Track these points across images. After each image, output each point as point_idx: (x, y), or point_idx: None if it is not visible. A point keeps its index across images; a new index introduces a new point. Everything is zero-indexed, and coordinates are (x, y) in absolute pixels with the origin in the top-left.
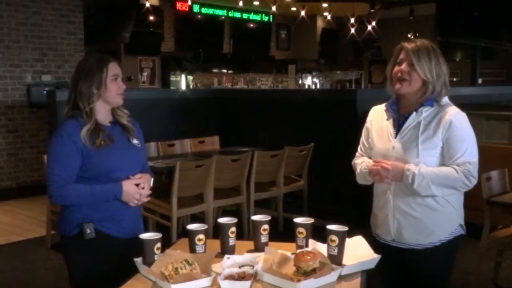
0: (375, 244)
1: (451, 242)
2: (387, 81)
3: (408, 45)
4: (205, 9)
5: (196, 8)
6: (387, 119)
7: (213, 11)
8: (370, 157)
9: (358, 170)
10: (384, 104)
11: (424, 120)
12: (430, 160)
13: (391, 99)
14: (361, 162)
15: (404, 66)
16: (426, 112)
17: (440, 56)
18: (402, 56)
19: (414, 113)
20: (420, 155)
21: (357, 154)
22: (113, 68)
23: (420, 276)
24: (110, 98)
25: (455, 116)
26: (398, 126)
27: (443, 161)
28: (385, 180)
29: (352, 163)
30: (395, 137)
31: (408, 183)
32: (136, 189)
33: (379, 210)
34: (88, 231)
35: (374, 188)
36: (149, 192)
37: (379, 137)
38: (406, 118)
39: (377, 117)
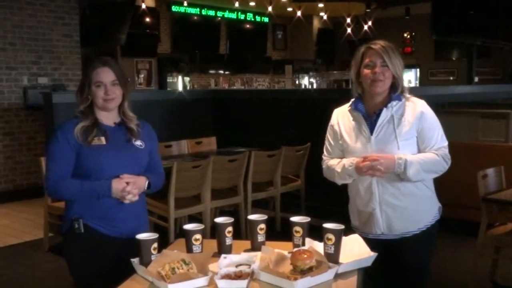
0: None
1: (433, 226)
2: (353, 83)
3: (375, 46)
4: (178, 7)
5: (173, 8)
6: (355, 119)
7: (210, 12)
8: (341, 158)
9: (339, 170)
10: (347, 105)
11: (396, 113)
12: (410, 149)
13: (354, 100)
14: (337, 163)
15: (378, 68)
16: (395, 106)
17: (398, 53)
18: (370, 58)
19: (385, 108)
20: (401, 146)
21: (324, 157)
22: (97, 75)
23: (406, 264)
24: (97, 103)
25: (424, 107)
26: (371, 123)
27: (418, 150)
28: (377, 173)
29: (324, 166)
30: (371, 133)
31: (400, 172)
32: (125, 186)
33: (363, 207)
34: (76, 225)
35: (354, 187)
36: (136, 197)
37: (352, 136)
38: (378, 115)
39: (343, 118)
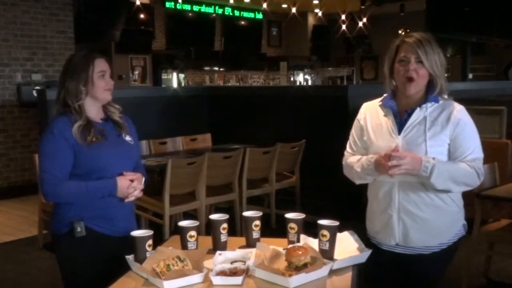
0: (375, 251)
1: (454, 244)
2: (386, 78)
3: (410, 40)
4: (172, 4)
5: (168, 5)
6: (385, 115)
7: (205, 9)
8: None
9: (358, 169)
10: (378, 100)
11: (430, 116)
12: (438, 157)
13: (386, 95)
14: (357, 160)
15: (411, 65)
16: (431, 107)
17: (438, 47)
18: (404, 53)
19: (418, 108)
20: (429, 152)
21: (346, 153)
22: (100, 65)
23: (421, 280)
24: (98, 94)
25: (463, 113)
26: (400, 121)
27: (449, 159)
28: (395, 171)
29: (343, 163)
30: (399, 133)
31: (424, 176)
32: (130, 183)
33: (380, 213)
34: (79, 229)
35: (373, 190)
36: (141, 193)
37: (378, 134)
38: (409, 114)
39: (372, 114)
